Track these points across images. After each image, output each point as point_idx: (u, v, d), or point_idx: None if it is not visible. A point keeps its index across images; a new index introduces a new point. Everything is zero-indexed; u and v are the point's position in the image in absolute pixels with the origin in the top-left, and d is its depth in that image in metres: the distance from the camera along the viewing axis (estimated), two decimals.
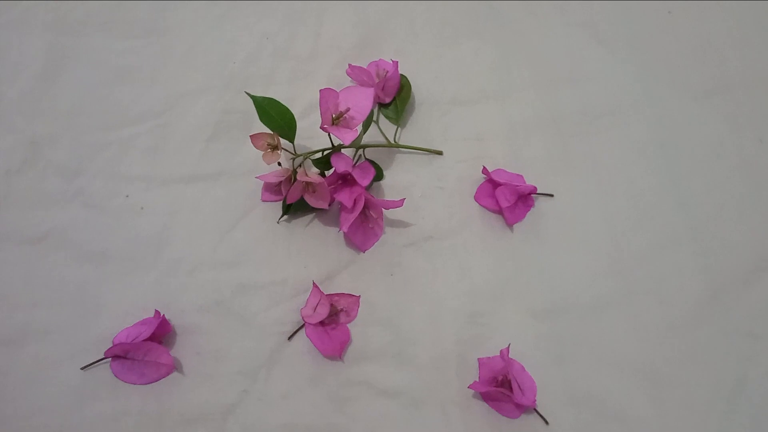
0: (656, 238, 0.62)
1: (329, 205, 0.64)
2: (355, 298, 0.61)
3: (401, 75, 0.70)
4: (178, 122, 0.68)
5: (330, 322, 0.60)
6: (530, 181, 0.64)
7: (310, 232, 0.64)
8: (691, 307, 0.59)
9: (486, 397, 0.57)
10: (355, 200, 0.61)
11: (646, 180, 0.65)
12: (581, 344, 0.57)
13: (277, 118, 0.61)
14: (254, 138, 0.60)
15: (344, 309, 0.61)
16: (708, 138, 0.67)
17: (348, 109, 0.59)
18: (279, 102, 0.61)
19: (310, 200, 0.61)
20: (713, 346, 0.57)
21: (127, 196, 0.66)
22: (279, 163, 0.62)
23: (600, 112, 0.68)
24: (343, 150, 0.63)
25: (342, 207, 0.61)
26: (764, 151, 0.66)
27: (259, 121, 0.60)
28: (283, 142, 0.61)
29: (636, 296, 0.59)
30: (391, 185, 0.65)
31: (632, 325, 0.58)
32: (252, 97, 0.60)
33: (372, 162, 0.66)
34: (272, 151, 0.60)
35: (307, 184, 0.61)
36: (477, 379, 0.56)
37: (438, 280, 0.60)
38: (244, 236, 0.63)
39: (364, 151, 0.66)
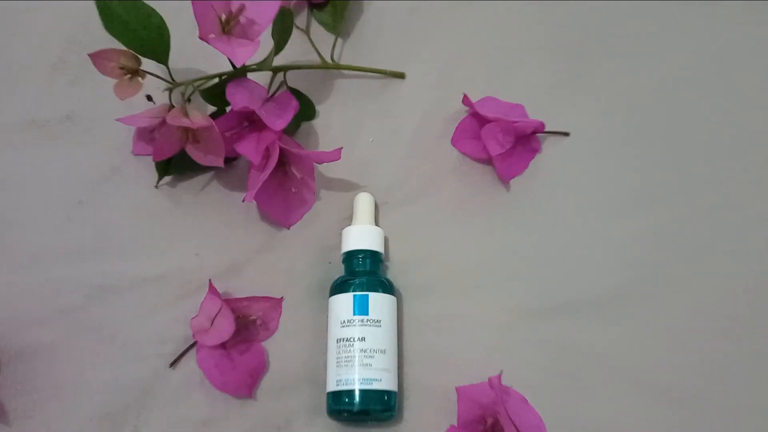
0: (705, 200, 0.47)
1: (230, 161, 0.46)
2: (275, 302, 0.44)
3: None
4: (7, 44, 0.52)
5: (236, 342, 0.42)
6: (533, 114, 0.48)
7: (206, 201, 0.47)
8: (749, 298, 0.45)
9: None
10: (266, 152, 0.43)
11: (692, 114, 0.50)
12: (602, 357, 0.44)
13: (135, 25, 0.42)
14: (98, 57, 0.41)
15: (258, 319, 0.43)
16: None
17: (242, 8, 0.39)
18: (140, 1, 0.42)
19: (195, 154, 0.43)
20: None
21: None
22: (149, 98, 0.43)
23: (626, 17, 0.52)
24: (250, 75, 0.45)
25: (250, 163, 0.44)
26: None
27: None
28: (153, 65, 0.42)
29: (676, 285, 0.45)
30: (327, 127, 0.49)
31: (671, 328, 0.44)
32: None
33: (296, 92, 0.47)
34: (130, 77, 0.42)
35: (186, 130, 0.41)
36: (454, 422, 0.41)
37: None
38: (107, 210, 0.47)
39: (285, 76, 0.47)
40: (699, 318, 0.44)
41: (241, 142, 0.42)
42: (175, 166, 0.45)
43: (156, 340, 0.43)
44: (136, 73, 0.41)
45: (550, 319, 0.44)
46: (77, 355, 0.43)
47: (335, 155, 0.43)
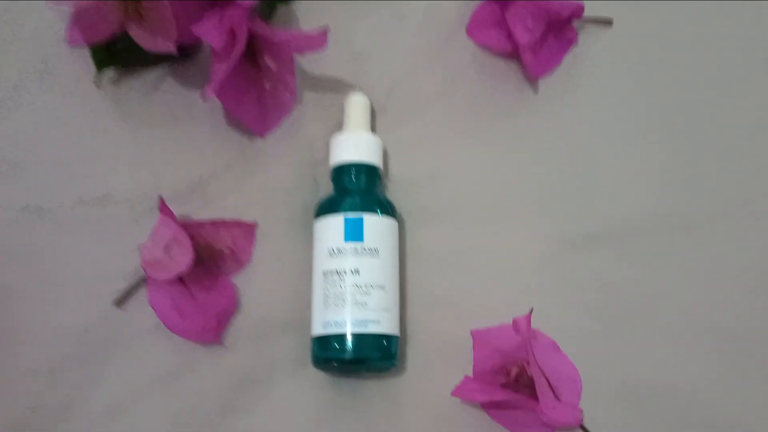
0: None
1: (189, 53, 0.38)
2: (248, 228, 0.37)
3: None
4: None
5: (198, 276, 0.35)
6: None
7: (160, 103, 0.39)
8: None
9: (488, 405, 0.34)
10: (231, 34, 0.34)
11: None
12: (646, 296, 0.37)
13: None
14: None
15: (227, 249, 0.36)
16: None
17: None
18: None
19: (140, 36, 0.34)
20: None
21: None
22: None
23: None
24: None
25: (212, 53, 0.35)
26: None
27: None
28: None
29: (734, 208, 0.39)
30: (310, 13, 0.41)
31: (729, 261, 0.38)
32: None
33: None
34: None
35: (128, 4, 0.33)
36: (468, 372, 0.35)
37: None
38: (36, 114, 0.39)
39: None
40: (760, 249, 0.37)
41: (200, 23, 0.33)
42: (118, 55, 0.37)
43: (101, 275, 0.36)
44: None
45: (585, 251, 0.38)
46: (3, 297, 0.35)
47: (319, 40, 0.34)
